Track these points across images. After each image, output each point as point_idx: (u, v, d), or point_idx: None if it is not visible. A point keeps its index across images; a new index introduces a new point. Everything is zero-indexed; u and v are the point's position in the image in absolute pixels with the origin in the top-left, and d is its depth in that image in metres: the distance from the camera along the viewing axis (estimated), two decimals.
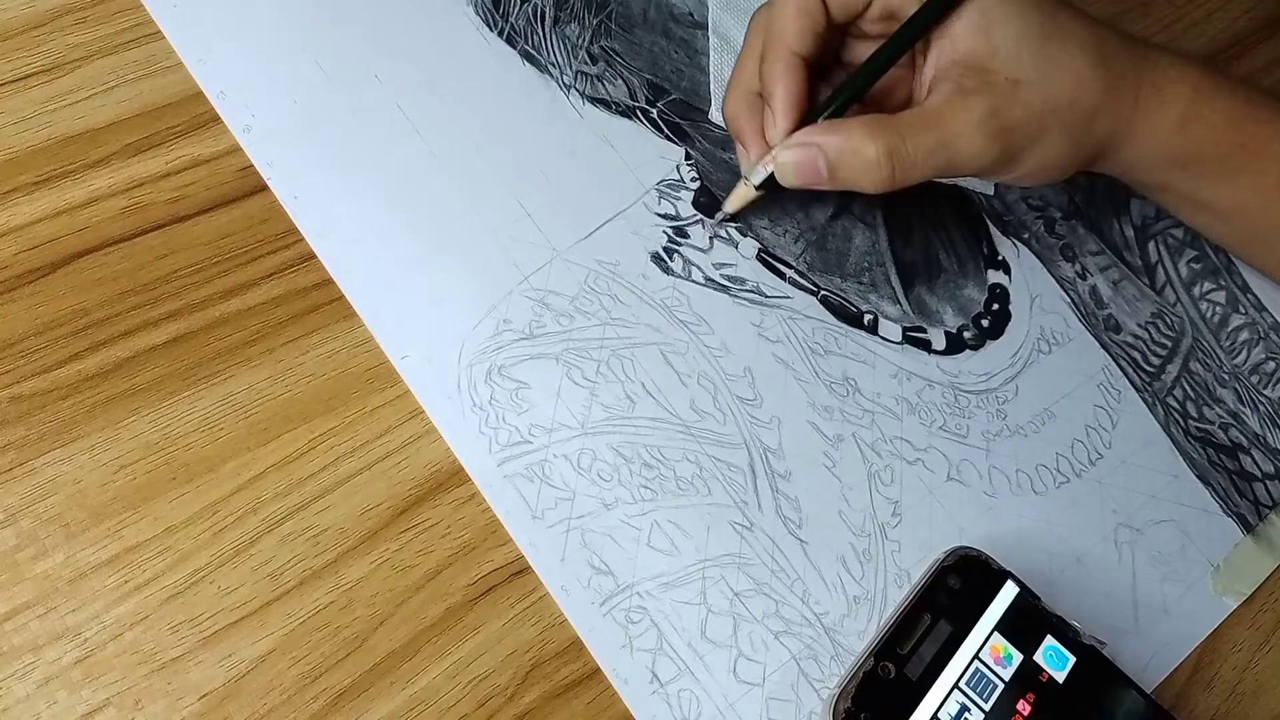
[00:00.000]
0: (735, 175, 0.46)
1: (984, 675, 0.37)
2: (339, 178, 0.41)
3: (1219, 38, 0.59)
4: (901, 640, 0.37)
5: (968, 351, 0.46)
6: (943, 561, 0.39)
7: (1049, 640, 0.37)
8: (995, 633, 0.37)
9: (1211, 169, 0.43)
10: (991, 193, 0.48)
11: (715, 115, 0.47)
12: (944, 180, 0.47)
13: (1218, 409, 0.48)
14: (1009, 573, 0.38)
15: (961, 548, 0.39)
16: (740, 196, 0.42)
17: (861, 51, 0.43)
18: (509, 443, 0.39)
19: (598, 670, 0.37)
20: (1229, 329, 0.50)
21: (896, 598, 0.40)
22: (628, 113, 0.46)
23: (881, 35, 0.42)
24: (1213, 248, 0.52)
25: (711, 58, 0.47)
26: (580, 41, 0.46)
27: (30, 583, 0.33)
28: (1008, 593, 0.38)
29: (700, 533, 0.39)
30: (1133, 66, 0.41)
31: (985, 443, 0.44)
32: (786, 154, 0.40)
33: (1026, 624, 0.38)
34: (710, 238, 0.44)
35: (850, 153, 0.38)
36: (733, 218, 0.44)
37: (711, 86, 0.47)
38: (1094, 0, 0.57)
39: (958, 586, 0.38)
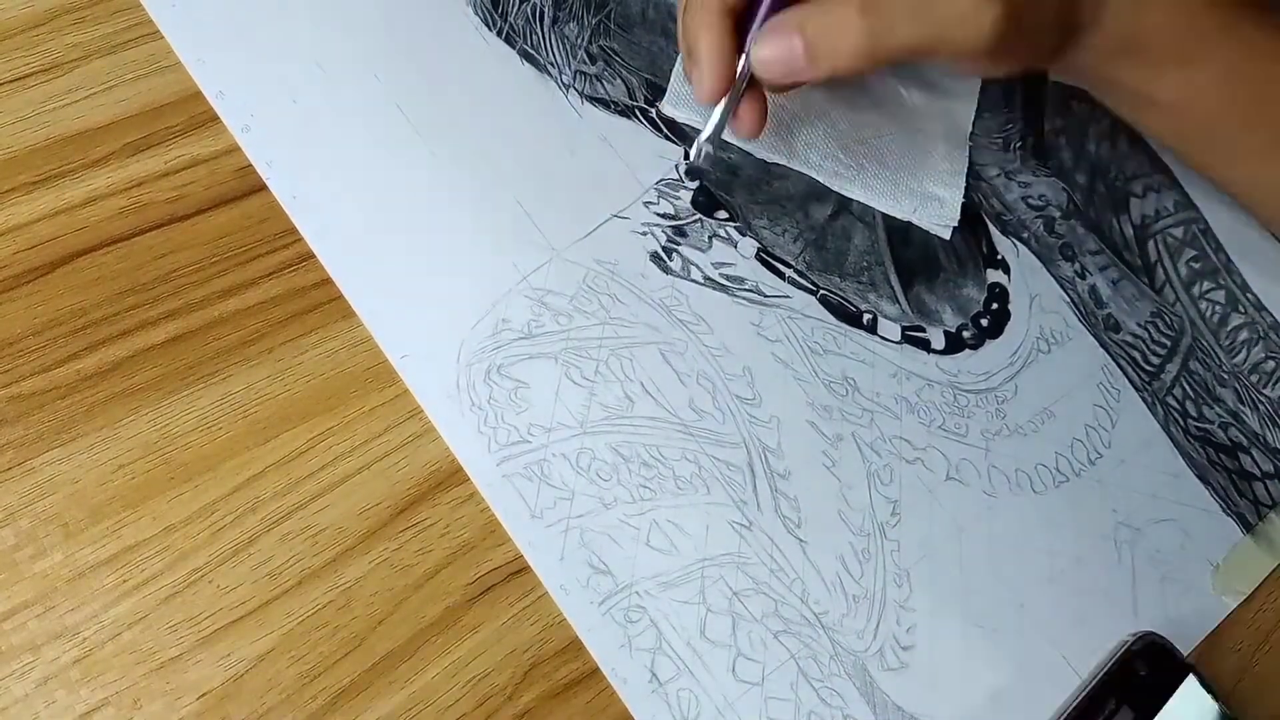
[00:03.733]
0: (733, 174, 0.46)
1: None
2: (338, 177, 0.41)
3: None
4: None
5: (967, 351, 0.46)
6: (1130, 645, 0.39)
7: None
8: None
9: (1164, 57, 0.42)
10: (947, 236, 0.46)
11: (665, 107, 0.46)
12: (897, 214, 0.46)
13: (1217, 408, 0.48)
14: (1192, 666, 0.38)
15: (1148, 633, 0.39)
16: (714, 120, 0.40)
17: None
18: (508, 442, 0.39)
19: (597, 670, 0.37)
20: (1228, 328, 0.50)
21: (896, 596, 0.40)
22: (627, 112, 0.46)
23: None
24: (1213, 247, 0.52)
25: (681, 57, 0.46)
26: (579, 41, 0.46)
27: (29, 582, 0.33)
28: (1189, 688, 0.38)
29: (699, 532, 0.39)
30: None
31: (984, 442, 0.44)
32: (761, 40, 0.37)
33: None
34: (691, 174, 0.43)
35: (826, 21, 0.36)
36: (712, 198, 0.43)
37: (671, 79, 0.46)
38: None
39: (1143, 674, 0.38)
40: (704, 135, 0.40)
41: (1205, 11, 0.42)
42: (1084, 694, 0.37)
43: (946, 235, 0.45)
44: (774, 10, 0.38)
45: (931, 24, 0.36)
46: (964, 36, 0.36)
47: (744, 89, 0.40)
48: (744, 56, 0.39)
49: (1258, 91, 0.43)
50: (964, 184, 0.48)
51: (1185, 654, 0.42)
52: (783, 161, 0.46)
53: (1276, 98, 0.43)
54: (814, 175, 0.46)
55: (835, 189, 0.46)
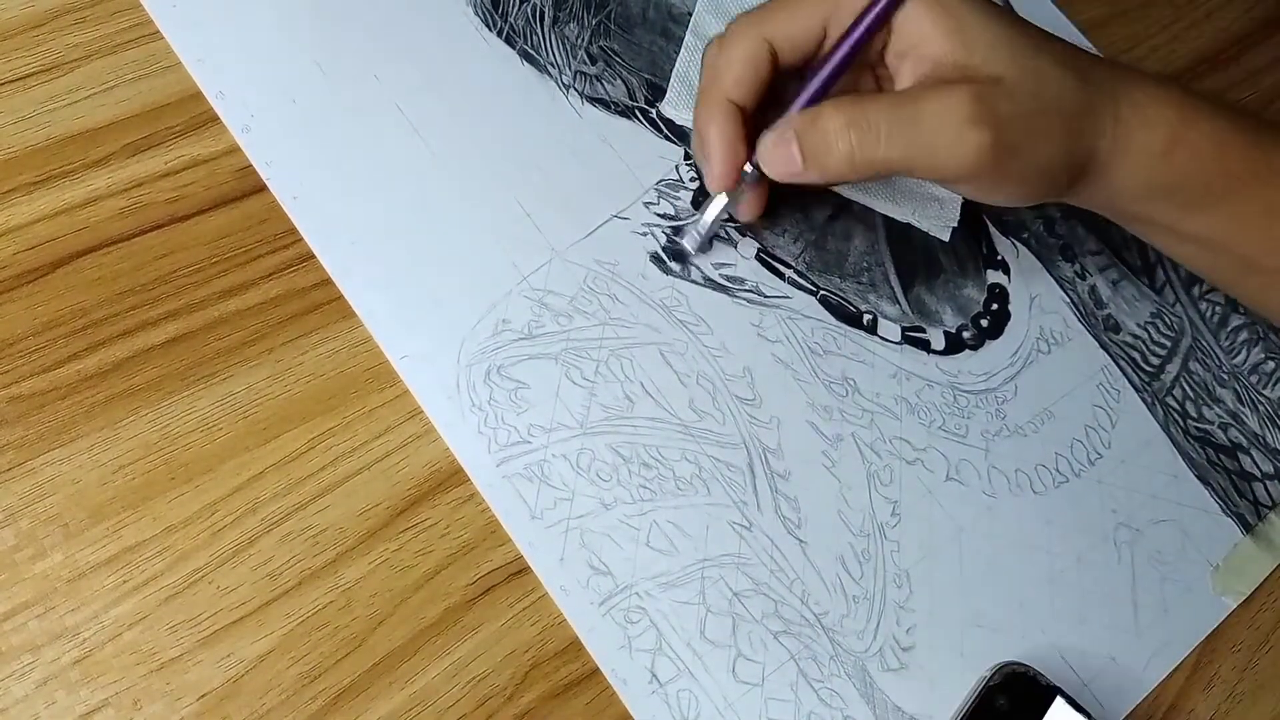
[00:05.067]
0: None
1: None
2: (338, 178, 0.41)
3: (1219, 38, 0.59)
4: None
5: (967, 351, 0.46)
6: (989, 680, 0.38)
7: None
8: None
9: (1196, 198, 0.41)
10: (946, 239, 0.46)
11: (666, 108, 0.46)
12: (897, 216, 0.46)
13: (1217, 409, 0.48)
14: (1058, 689, 0.38)
15: (1008, 664, 0.39)
16: (716, 208, 0.42)
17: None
18: (508, 443, 0.39)
19: (597, 670, 0.37)
20: (1228, 329, 0.50)
21: (896, 597, 0.40)
22: (627, 113, 0.46)
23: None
24: None
25: (682, 54, 0.46)
26: (579, 41, 0.46)
27: (29, 583, 0.33)
28: (1058, 711, 0.38)
29: (699, 533, 0.39)
30: (1110, 82, 0.39)
31: (984, 442, 0.44)
32: (765, 144, 0.39)
33: None
34: (691, 253, 0.44)
35: (816, 129, 0.38)
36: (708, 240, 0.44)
37: (671, 79, 0.46)
38: (1093, 0, 0.57)
39: (1005, 707, 0.38)
40: (703, 229, 0.43)
41: (1240, 153, 0.40)
42: None
43: (946, 238, 0.45)
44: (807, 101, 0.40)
45: (915, 143, 0.37)
46: (947, 159, 0.37)
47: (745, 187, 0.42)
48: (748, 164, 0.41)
49: None
50: None
51: (1184, 654, 0.43)
52: None
53: None
54: None
55: (836, 190, 0.46)
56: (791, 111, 0.40)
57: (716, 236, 0.45)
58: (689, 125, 0.46)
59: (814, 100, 0.39)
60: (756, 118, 0.41)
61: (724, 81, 0.40)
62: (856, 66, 0.40)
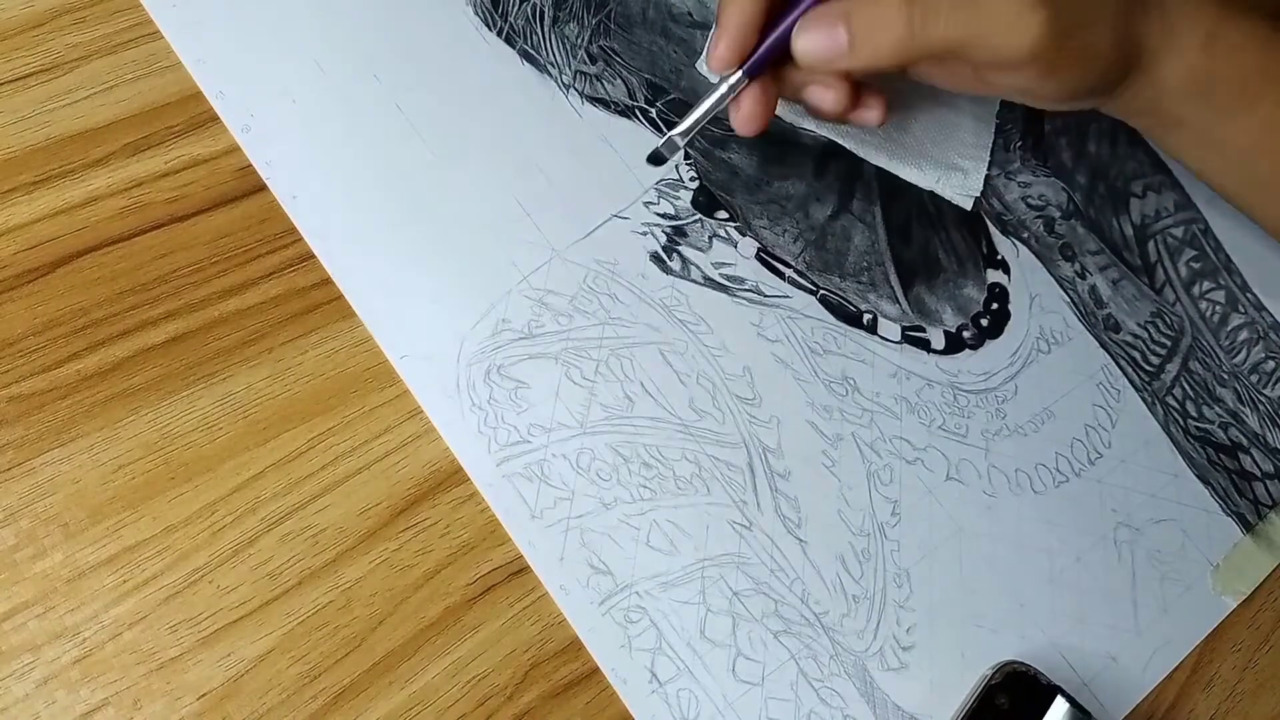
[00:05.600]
0: (733, 175, 0.46)
1: None
2: (338, 177, 0.41)
3: None
4: None
5: (967, 351, 0.46)
6: (990, 679, 0.38)
7: None
8: None
9: (1233, 99, 0.41)
10: (969, 208, 0.46)
11: (701, 66, 0.46)
12: (920, 183, 0.47)
13: (1217, 408, 0.48)
14: (1059, 688, 0.38)
15: (1009, 663, 0.39)
16: (711, 99, 0.39)
17: None
18: (508, 442, 0.39)
19: (597, 670, 0.37)
20: (1228, 328, 0.50)
21: (896, 596, 0.40)
22: (627, 112, 0.46)
23: None
24: (1213, 247, 0.52)
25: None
26: (579, 41, 0.46)
27: (29, 582, 0.33)
28: (1059, 709, 0.38)
29: (699, 532, 0.39)
30: None
31: (984, 442, 0.44)
32: (806, 24, 0.37)
33: None
34: (677, 150, 0.41)
35: (871, 12, 0.36)
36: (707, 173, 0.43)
37: (709, 39, 0.45)
38: None
39: (1006, 706, 0.38)
40: (680, 128, 0.40)
41: (1277, 53, 0.41)
42: None
43: (968, 206, 0.45)
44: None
45: (975, 21, 0.36)
46: (1006, 37, 0.36)
47: (743, 88, 0.39)
48: (761, 48, 0.38)
49: None
50: (988, 158, 0.48)
51: (1184, 653, 0.43)
52: (809, 127, 0.46)
53: None
54: (839, 140, 0.46)
55: (860, 154, 0.47)
56: None
57: (715, 236, 0.45)
58: None
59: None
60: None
61: None
62: None
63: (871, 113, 0.41)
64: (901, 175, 0.46)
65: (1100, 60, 0.39)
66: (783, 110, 0.46)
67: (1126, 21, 0.39)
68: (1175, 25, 0.40)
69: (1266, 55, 0.41)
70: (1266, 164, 0.43)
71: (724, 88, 0.39)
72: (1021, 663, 0.39)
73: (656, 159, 0.41)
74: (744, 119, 0.40)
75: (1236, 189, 0.46)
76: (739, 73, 0.38)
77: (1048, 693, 0.38)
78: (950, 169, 0.46)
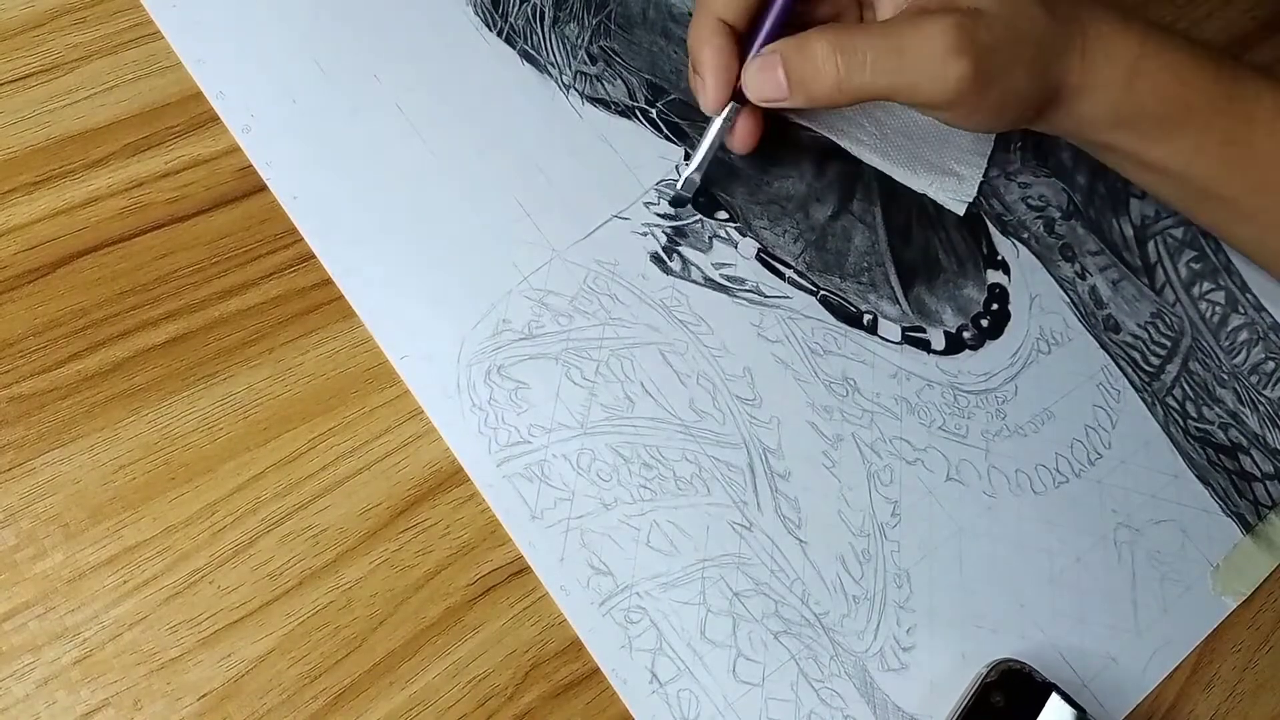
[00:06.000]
0: (733, 175, 0.46)
1: None
2: (338, 178, 0.41)
3: (1219, 38, 0.59)
4: None
5: (967, 351, 0.46)
6: (985, 677, 0.38)
7: None
8: None
9: (1156, 128, 0.43)
10: (961, 213, 0.47)
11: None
12: (915, 187, 0.47)
13: (1217, 409, 0.48)
14: (1054, 685, 0.38)
15: (1004, 661, 0.39)
16: (711, 133, 0.43)
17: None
18: (508, 443, 0.39)
19: (597, 670, 0.37)
20: (1228, 329, 0.50)
21: (896, 597, 0.40)
22: (627, 113, 0.46)
23: None
24: (1213, 248, 0.52)
25: None
26: (579, 41, 0.46)
27: (29, 583, 0.33)
28: (1054, 708, 0.38)
29: (699, 533, 0.39)
30: (1076, 13, 0.41)
31: (984, 443, 0.44)
32: (751, 70, 0.40)
33: None
34: (681, 189, 0.44)
35: (803, 55, 0.39)
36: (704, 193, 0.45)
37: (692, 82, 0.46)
38: None
39: (1001, 704, 0.38)
40: (692, 167, 0.43)
41: (1198, 83, 0.42)
42: None
43: (961, 211, 0.46)
44: (771, 38, 0.41)
45: (900, 72, 0.39)
46: (929, 87, 0.39)
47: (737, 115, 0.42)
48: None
49: (1263, 161, 0.43)
50: (985, 165, 0.49)
51: (1184, 654, 0.43)
52: (807, 124, 0.46)
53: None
54: (836, 140, 0.46)
55: (856, 154, 0.47)
56: (760, 35, 0.41)
57: (716, 236, 0.45)
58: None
59: (776, 24, 0.41)
60: (747, 41, 0.42)
61: (715, 2, 0.41)
62: None
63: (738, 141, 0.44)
64: (895, 178, 0.46)
65: (1020, 102, 0.41)
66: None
67: (1046, 65, 0.41)
68: (1095, 64, 0.41)
69: (1188, 87, 0.42)
70: (1199, 182, 0.45)
71: (719, 122, 0.42)
72: (1017, 660, 0.39)
73: (679, 201, 0.45)
74: (740, 143, 0.44)
75: (1176, 201, 0.48)
76: (730, 105, 0.42)
77: (1043, 690, 0.38)
78: (945, 174, 0.47)
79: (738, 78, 0.41)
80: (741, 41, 0.41)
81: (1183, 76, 0.42)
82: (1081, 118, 0.43)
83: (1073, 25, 0.41)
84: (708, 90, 0.41)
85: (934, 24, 0.38)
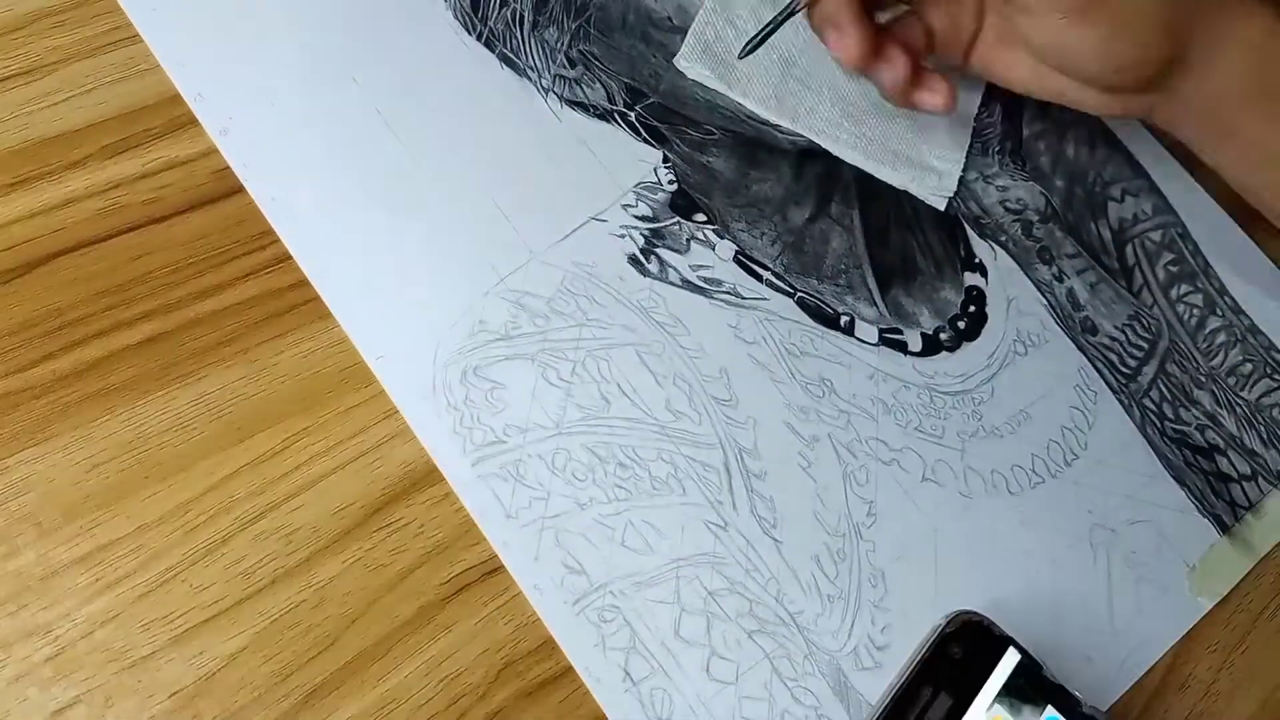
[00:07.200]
0: (711, 178, 0.46)
1: None
2: (316, 180, 0.41)
3: None
4: (903, 714, 0.36)
5: (944, 353, 0.46)
6: (944, 629, 0.38)
7: (1050, 711, 0.37)
8: (996, 704, 0.37)
9: None
10: (941, 208, 0.47)
11: (680, 61, 0.47)
12: (894, 183, 0.47)
13: (1194, 410, 0.49)
14: (1011, 639, 0.38)
15: (964, 612, 0.39)
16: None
17: None
18: (484, 443, 0.39)
19: (570, 669, 0.37)
20: (1206, 331, 0.51)
21: (871, 597, 0.41)
22: (605, 116, 0.46)
23: None
24: (1190, 250, 0.52)
25: (700, 14, 0.47)
26: (559, 45, 0.47)
27: (1, 581, 0.34)
28: (1010, 661, 0.38)
29: (674, 532, 0.39)
30: None
31: (961, 443, 0.44)
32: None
33: (1028, 694, 0.37)
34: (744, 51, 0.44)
35: None
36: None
37: (689, 36, 0.47)
38: None
39: (959, 655, 0.38)
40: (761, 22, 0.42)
41: None
42: (897, 687, 0.37)
43: (942, 206, 0.46)
44: None
45: None
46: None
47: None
48: None
49: None
50: (963, 160, 0.49)
51: (1159, 654, 0.43)
52: (785, 123, 0.47)
53: None
54: (815, 138, 0.47)
55: (835, 153, 0.47)
56: None
57: (693, 239, 0.45)
58: (705, 81, 0.47)
59: None
60: None
61: None
62: None
63: (935, 97, 0.44)
64: (875, 174, 0.47)
65: (1144, 23, 0.38)
66: (758, 107, 0.47)
67: (1174, 6, 0.38)
68: (1230, 26, 0.39)
69: None
70: None
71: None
72: (975, 613, 0.38)
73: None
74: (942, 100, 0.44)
75: None
76: None
77: (1000, 643, 0.38)
78: (925, 169, 0.47)
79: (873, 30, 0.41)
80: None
81: None
82: (1212, 88, 0.40)
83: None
84: (846, 39, 0.41)
85: None
